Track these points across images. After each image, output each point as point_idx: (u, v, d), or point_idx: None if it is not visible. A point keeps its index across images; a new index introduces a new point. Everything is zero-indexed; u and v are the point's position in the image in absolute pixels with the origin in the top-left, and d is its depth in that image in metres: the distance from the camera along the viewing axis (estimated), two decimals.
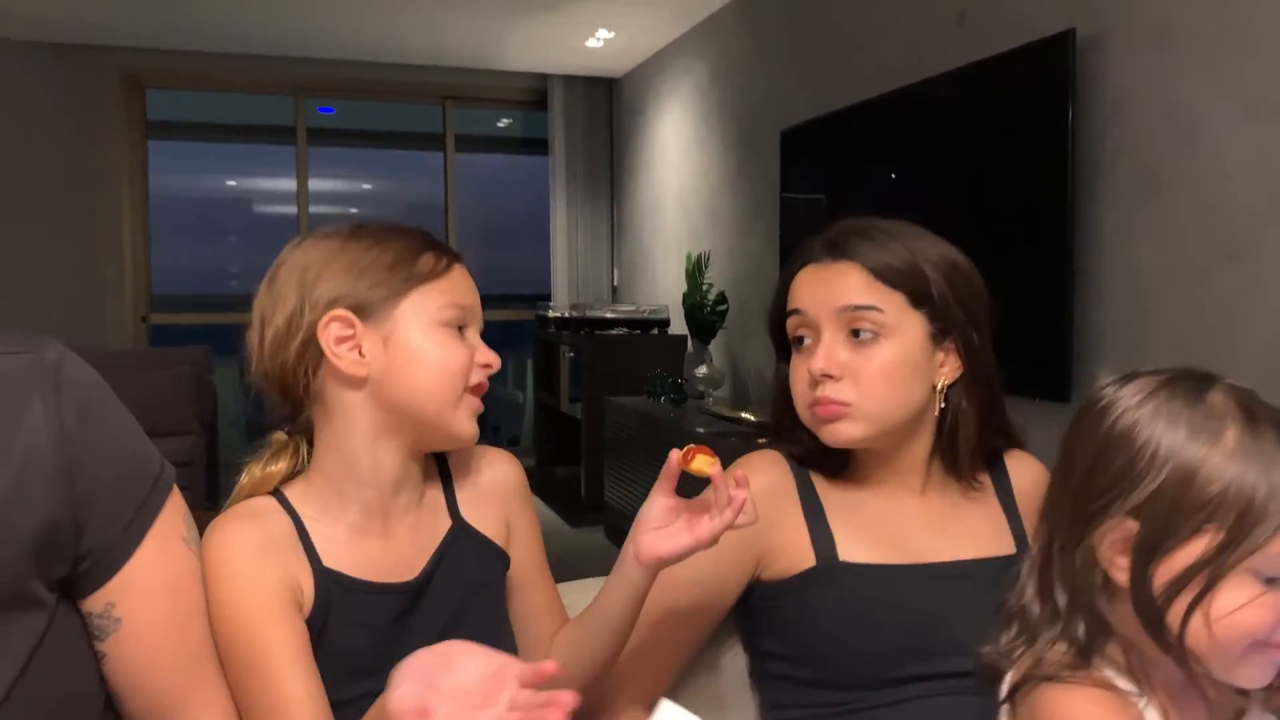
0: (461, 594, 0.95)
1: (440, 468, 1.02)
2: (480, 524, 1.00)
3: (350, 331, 0.92)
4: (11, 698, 0.67)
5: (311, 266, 0.94)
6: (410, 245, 0.96)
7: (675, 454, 0.87)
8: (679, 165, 5.26)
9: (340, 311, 0.92)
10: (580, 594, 1.07)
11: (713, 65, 4.83)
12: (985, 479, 1.06)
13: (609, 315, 5.12)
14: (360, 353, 0.92)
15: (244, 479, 0.95)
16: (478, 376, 0.95)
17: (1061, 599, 0.79)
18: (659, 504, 0.90)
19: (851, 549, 1.00)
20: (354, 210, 7.98)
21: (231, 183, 7.49)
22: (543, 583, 1.04)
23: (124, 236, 5.59)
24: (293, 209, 6.27)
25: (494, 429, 7.13)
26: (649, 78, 5.70)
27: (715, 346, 4.55)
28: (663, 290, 5.41)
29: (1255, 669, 0.73)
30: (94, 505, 0.73)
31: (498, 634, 0.96)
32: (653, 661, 1.03)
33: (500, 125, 7.18)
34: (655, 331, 5.09)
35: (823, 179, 3.79)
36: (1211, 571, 0.71)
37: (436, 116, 6.41)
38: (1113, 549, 0.76)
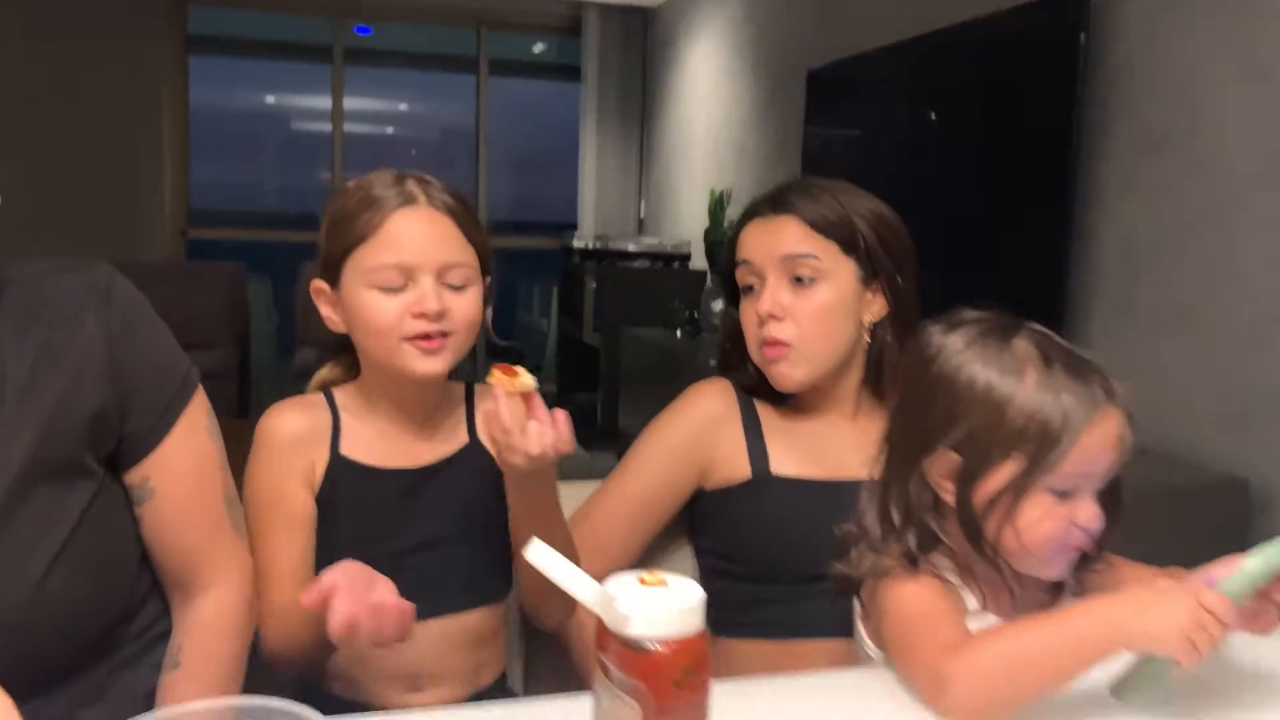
0: (464, 496, 1.09)
1: (468, 393, 1.16)
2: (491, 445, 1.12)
3: (324, 296, 1.08)
4: (67, 547, 0.85)
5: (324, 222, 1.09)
6: (352, 204, 1.05)
7: (499, 381, 0.95)
8: (708, 100, 5.28)
9: (318, 283, 1.08)
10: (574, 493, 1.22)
11: (746, 1, 4.83)
12: None
13: (632, 248, 5.21)
14: (335, 312, 1.08)
15: (314, 379, 1.15)
16: (412, 326, 1.01)
17: (897, 518, 0.92)
18: (510, 417, 0.98)
19: (784, 464, 1.15)
20: (389, 129, 8.06)
21: (270, 99, 7.58)
22: None
23: (164, 151, 5.72)
24: (329, 127, 6.37)
25: (519, 355, 7.29)
26: (683, 10, 5.69)
27: None
28: (687, 225, 5.47)
29: (1057, 566, 0.89)
30: (135, 397, 0.91)
31: (495, 538, 1.09)
32: (605, 559, 1.16)
33: (535, 51, 7.19)
34: (676, 265, 5.17)
35: (845, 120, 3.83)
36: (1016, 491, 0.85)
37: (471, 40, 6.45)
38: (940, 476, 0.90)
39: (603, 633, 0.61)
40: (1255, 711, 0.83)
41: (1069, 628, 0.78)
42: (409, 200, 1.03)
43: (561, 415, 0.96)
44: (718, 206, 4.66)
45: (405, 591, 1.05)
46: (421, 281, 1.01)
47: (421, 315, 1.01)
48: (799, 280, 1.12)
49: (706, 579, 1.21)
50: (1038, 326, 0.91)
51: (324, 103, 6.36)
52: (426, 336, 1.01)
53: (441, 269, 1.03)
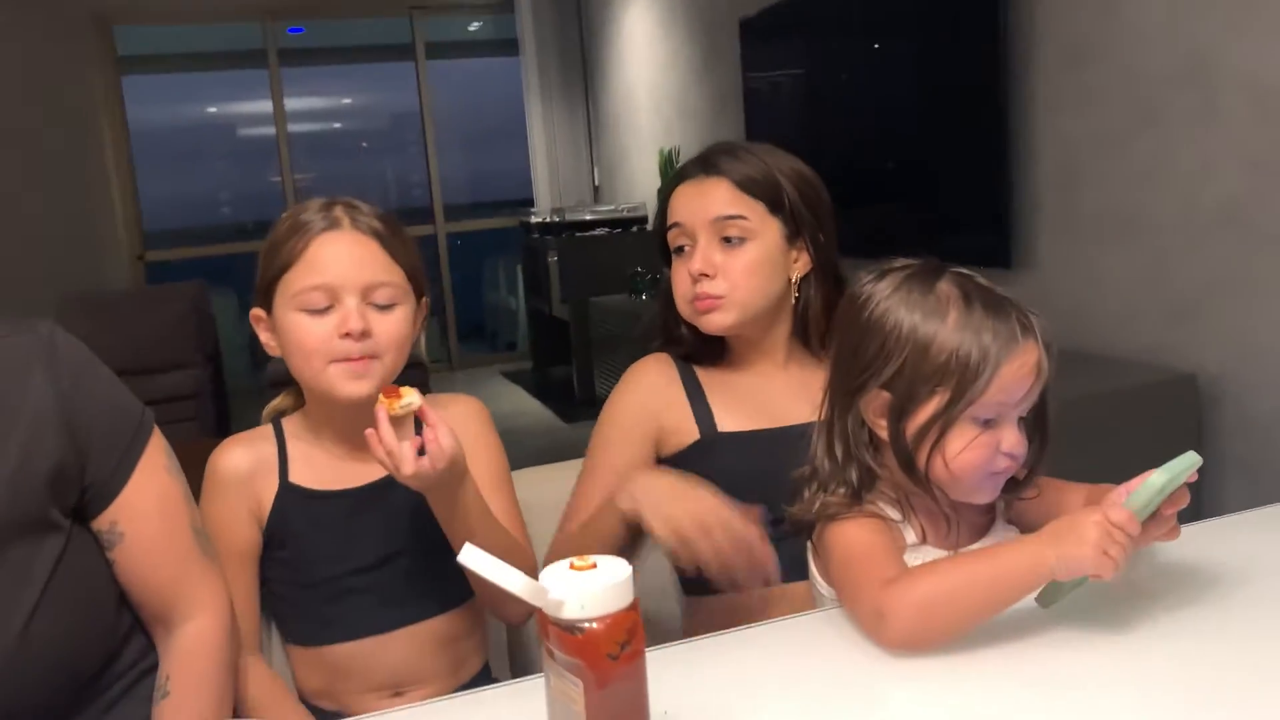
0: (416, 508, 1.09)
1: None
2: None
3: (262, 323, 1.11)
4: (44, 600, 0.88)
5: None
6: (281, 231, 1.08)
7: (381, 409, 0.96)
8: (647, 61, 5.27)
9: (256, 310, 1.11)
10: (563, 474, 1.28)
11: None
12: None
13: (588, 217, 5.22)
14: (271, 338, 1.11)
15: (266, 408, 1.19)
16: (338, 347, 1.03)
17: (839, 456, 0.98)
18: (388, 439, 0.97)
19: (729, 421, 1.20)
20: (336, 125, 7.98)
21: (212, 110, 7.50)
22: (495, 500, 1.15)
23: (110, 177, 5.67)
24: (274, 130, 6.32)
25: (491, 335, 7.31)
26: None
27: None
28: (641, 187, 5.48)
29: (986, 491, 0.94)
30: (92, 447, 0.93)
31: (444, 546, 1.10)
32: (589, 538, 1.20)
33: (471, 30, 7.13)
34: (635, 229, 5.19)
35: (781, 65, 3.84)
36: (943, 423, 0.90)
37: (405, 27, 6.39)
38: (874, 413, 0.95)
39: (543, 620, 0.65)
40: (1158, 597, 0.89)
41: (996, 563, 0.84)
42: (333, 225, 1.06)
43: (436, 433, 0.97)
44: (668, 165, 4.68)
45: (371, 606, 1.10)
46: (346, 302, 1.04)
47: (346, 335, 1.03)
48: (728, 240, 1.17)
49: None
50: (960, 269, 0.96)
51: (266, 107, 6.31)
52: (351, 357, 1.03)
53: (366, 289, 1.05)
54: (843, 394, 0.98)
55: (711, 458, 1.18)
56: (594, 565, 0.65)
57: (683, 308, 1.21)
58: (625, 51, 5.58)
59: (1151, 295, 2.27)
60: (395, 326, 1.06)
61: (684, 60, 4.80)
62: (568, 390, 5.23)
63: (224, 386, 4.80)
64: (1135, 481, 0.84)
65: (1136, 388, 2.15)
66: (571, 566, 0.65)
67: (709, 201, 1.18)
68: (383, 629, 1.11)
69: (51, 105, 5.37)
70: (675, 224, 1.21)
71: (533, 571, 1.08)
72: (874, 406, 0.95)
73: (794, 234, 1.20)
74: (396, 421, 0.97)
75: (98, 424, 0.93)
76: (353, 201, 1.10)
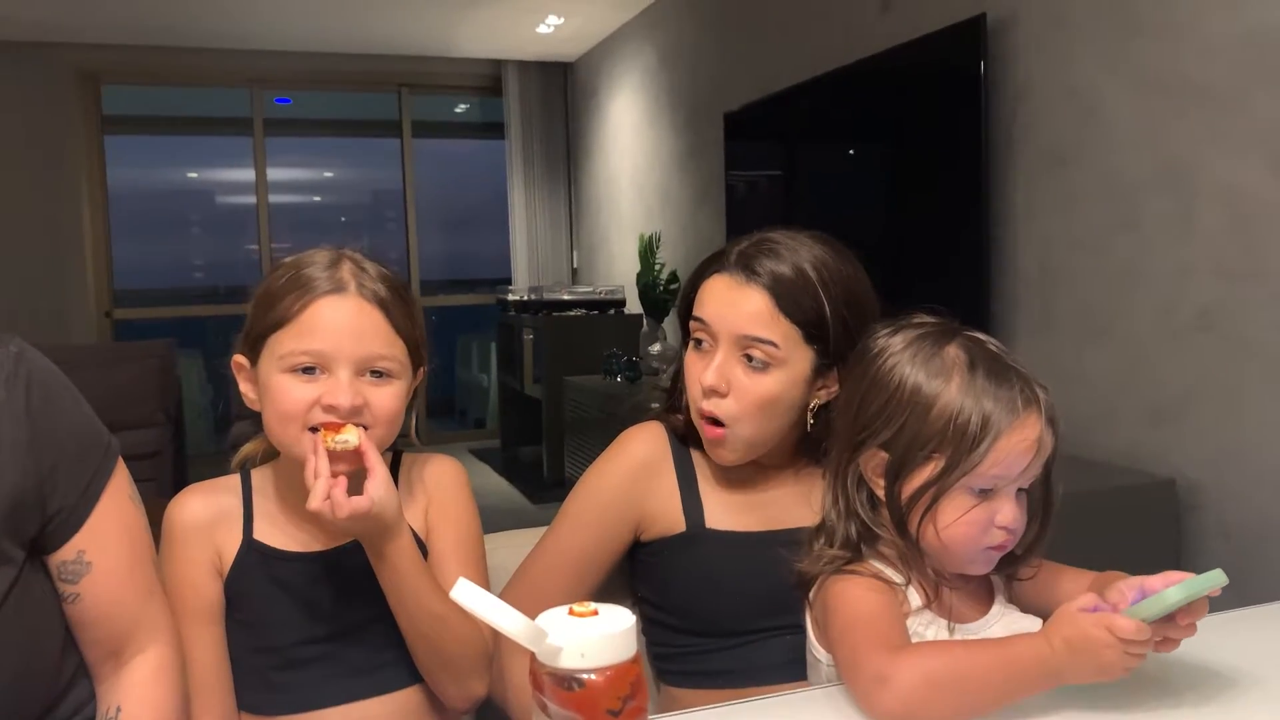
0: (373, 572, 1.02)
1: (394, 464, 1.11)
2: (410, 518, 1.05)
3: (244, 372, 1.04)
4: None
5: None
6: (280, 283, 1.00)
7: (318, 441, 0.94)
8: (632, 148, 5.36)
9: (239, 358, 1.05)
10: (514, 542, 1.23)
11: (659, 49, 4.93)
12: None
13: (566, 297, 5.23)
14: (251, 389, 1.04)
15: (238, 453, 1.11)
16: (320, 417, 0.96)
17: (840, 509, 0.96)
18: (321, 469, 0.94)
19: (719, 517, 1.12)
20: (316, 198, 8.01)
21: (192, 175, 7.50)
22: (457, 567, 1.08)
23: (85, 232, 5.62)
24: (254, 199, 6.32)
25: (460, 412, 7.24)
26: (600, 62, 5.79)
27: (669, 324, 4.67)
28: (620, 271, 5.52)
29: (978, 564, 0.92)
30: (58, 471, 0.86)
31: None
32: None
33: (458, 111, 7.24)
34: (612, 311, 5.21)
35: (763, 159, 3.91)
36: (937, 490, 0.88)
37: (393, 104, 6.47)
38: (872, 471, 0.94)
39: (536, 669, 0.61)
40: (1161, 684, 0.86)
41: (1009, 659, 0.80)
42: (337, 288, 0.99)
43: (371, 479, 0.93)
44: (648, 251, 4.72)
45: (327, 676, 1.02)
46: (337, 373, 0.97)
47: (330, 407, 0.96)
48: (750, 359, 1.05)
49: (647, 629, 1.18)
50: (976, 334, 0.94)
51: (247, 175, 6.32)
52: (326, 425, 0.97)
53: (361, 361, 0.98)
54: (844, 447, 0.96)
55: (695, 553, 1.11)
56: (595, 612, 0.61)
57: (693, 408, 1.11)
58: (609, 138, 5.68)
59: (1130, 398, 2.29)
60: (388, 401, 1.00)
61: (668, 149, 4.88)
62: (536, 470, 5.16)
63: (184, 449, 4.70)
64: (1155, 580, 0.81)
65: (1114, 490, 2.15)
66: (571, 612, 0.61)
67: (740, 314, 1.05)
68: (339, 700, 1.03)
69: (34, 159, 5.36)
70: (700, 319, 1.10)
71: (486, 646, 1.04)
72: (872, 465, 0.93)
73: (826, 366, 1.07)
74: (335, 458, 0.93)
75: (67, 447, 0.87)
76: (360, 260, 1.02)
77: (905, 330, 0.95)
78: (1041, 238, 2.52)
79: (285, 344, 0.98)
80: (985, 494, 0.88)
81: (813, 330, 1.05)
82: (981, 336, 0.94)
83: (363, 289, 1.00)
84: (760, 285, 1.05)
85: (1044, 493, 0.93)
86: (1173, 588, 0.78)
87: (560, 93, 6.34)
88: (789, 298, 1.04)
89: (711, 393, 1.06)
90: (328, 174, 7.86)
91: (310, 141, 7.24)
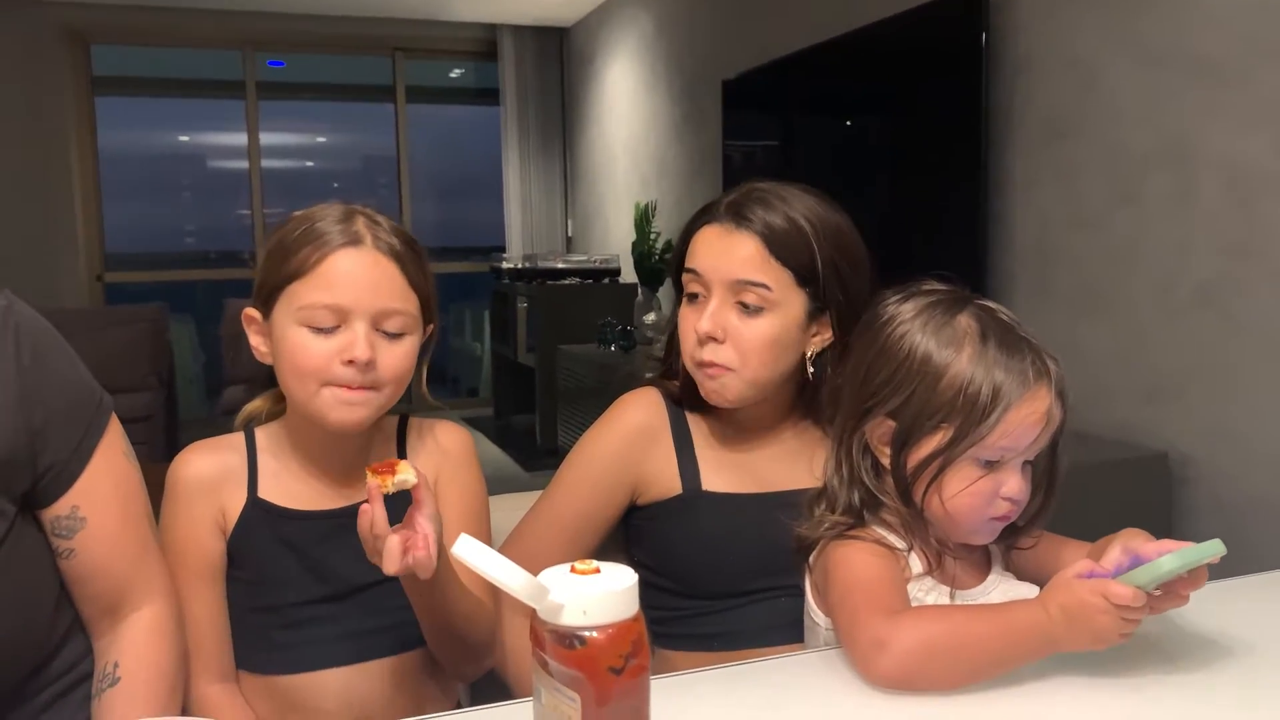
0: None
1: (401, 432, 1.12)
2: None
3: (255, 325, 1.04)
4: None
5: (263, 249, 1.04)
6: (294, 236, 0.99)
7: (373, 483, 0.88)
8: (628, 116, 5.32)
9: (250, 311, 1.03)
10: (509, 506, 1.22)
11: (657, 15, 4.88)
12: None
13: (561, 265, 5.21)
14: (264, 343, 1.03)
15: (242, 411, 1.10)
16: (338, 372, 0.97)
17: (844, 476, 0.96)
18: (380, 524, 0.89)
19: (714, 479, 1.12)
20: (309, 162, 7.95)
21: (184, 138, 7.43)
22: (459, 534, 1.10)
23: (75, 195, 5.57)
24: (246, 164, 6.26)
25: (453, 380, 7.22)
26: (597, 27, 5.73)
27: (664, 294, 4.66)
28: (616, 240, 5.50)
29: (982, 534, 0.92)
30: (50, 427, 0.86)
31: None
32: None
33: (452, 76, 7.17)
34: (606, 280, 5.19)
35: (761, 129, 3.89)
36: (943, 460, 0.88)
37: (387, 68, 6.41)
38: (879, 440, 0.93)
39: (537, 626, 0.61)
40: (1161, 649, 0.87)
41: (1007, 626, 0.80)
42: (354, 240, 0.98)
43: (424, 539, 0.89)
44: (643, 220, 4.70)
45: (331, 638, 1.02)
46: (354, 326, 0.97)
47: (349, 363, 0.97)
48: (744, 305, 1.06)
49: (643, 593, 1.17)
50: (988, 303, 0.94)
51: (239, 139, 6.26)
52: (351, 386, 0.97)
53: (378, 315, 0.98)
54: (850, 414, 0.96)
55: (691, 515, 1.12)
56: (597, 570, 0.61)
57: (687, 361, 1.12)
58: (606, 105, 5.64)
59: (1125, 373, 2.29)
60: (401, 359, 1.00)
61: (664, 118, 4.85)
62: (529, 438, 5.16)
63: (176, 414, 4.68)
64: (1149, 546, 0.81)
65: (1107, 464, 2.15)
66: (573, 570, 0.61)
67: (733, 260, 1.06)
68: (341, 662, 1.03)
69: (23, 121, 5.29)
70: (692, 270, 1.10)
71: (495, 621, 1.04)
72: (878, 433, 0.93)
73: (819, 309, 1.08)
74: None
75: (58, 402, 0.87)
76: (373, 214, 1.02)
77: (916, 298, 0.94)
78: (1039, 211, 2.51)
79: (302, 296, 0.97)
80: (991, 465, 0.88)
81: (804, 274, 1.07)
82: (993, 305, 0.93)
83: (378, 241, 1.00)
84: (751, 231, 1.06)
85: (1050, 465, 0.93)
86: (1167, 556, 0.78)
87: (556, 59, 6.28)
88: (780, 242, 1.06)
89: (708, 339, 1.07)
90: (320, 139, 7.80)
91: (302, 105, 7.17)
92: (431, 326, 1.07)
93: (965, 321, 0.90)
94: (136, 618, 0.94)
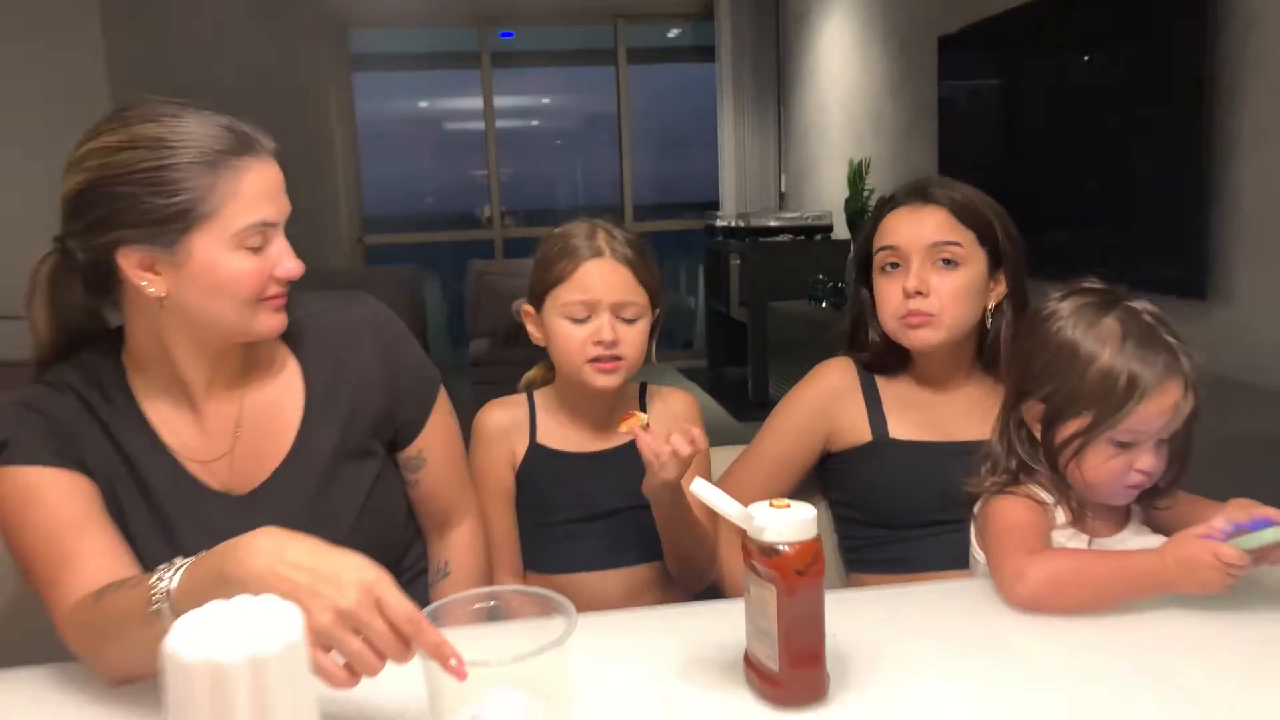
0: (637, 475, 1.26)
1: (641, 392, 1.41)
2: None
3: (531, 318, 1.37)
4: (365, 507, 1.15)
5: None
6: (554, 251, 1.31)
7: (635, 425, 1.20)
8: (842, 72, 5.36)
9: (527, 307, 1.38)
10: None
11: None
12: None
13: (773, 223, 5.36)
14: (537, 329, 1.37)
15: (523, 378, 1.45)
16: (592, 350, 1.28)
17: (1005, 445, 1.15)
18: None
19: (900, 429, 1.34)
20: (535, 123, 8.45)
21: (423, 104, 8.09)
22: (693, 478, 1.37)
23: (338, 166, 6.25)
24: (480, 126, 6.80)
25: (669, 332, 7.53)
26: None
27: None
28: (829, 197, 5.58)
29: (1119, 499, 1.10)
30: (406, 395, 1.21)
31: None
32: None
33: (670, 36, 7.41)
34: (819, 237, 5.29)
35: (978, 85, 3.87)
36: (1084, 440, 1.05)
37: (609, 34, 6.73)
38: (1032, 418, 1.12)
39: (746, 542, 0.84)
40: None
41: (1126, 567, 0.98)
42: (597, 253, 1.29)
43: (681, 437, 1.17)
44: (857, 176, 4.77)
45: (594, 548, 1.35)
46: (601, 316, 1.28)
47: (599, 343, 1.27)
48: (944, 262, 1.29)
49: (838, 525, 1.43)
50: (1135, 304, 1.09)
51: (474, 104, 6.79)
52: (602, 359, 1.28)
53: (616, 307, 1.28)
54: (1012, 394, 1.15)
55: (880, 460, 1.34)
56: (788, 505, 0.83)
57: (888, 323, 1.33)
58: (821, 62, 5.69)
59: None
60: (636, 336, 1.30)
61: (880, 74, 4.87)
62: (741, 390, 5.40)
63: None
64: (1261, 511, 0.95)
65: None
66: (771, 505, 0.84)
67: (925, 228, 1.30)
68: (600, 567, 1.34)
69: (292, 99, 5.96)
70: (888, 246, 1.32)
71: (715, 546, 1.35)
72: (1032, 413, 1.11)
73: (995, 264, 1.32)
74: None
75: (410, 378, 1.22)
76: (611, 229, 1.32)
77: (1073, 297, 1.11)
78: (1269, 168, 2.44)
79: (562, 296, 1.29)
80: (1125, 445, 1.05)
81: (984, 234, 1.31)
82: (1139, 306, 1.08)
83: (615, 252, 1.29)
84: (938, 204, 1.32)
85: (1185, 443, 1.08)
86: (1271, 529, 0.93)
87: (771, 16, 6.36)
88: (963, 209, 1.31)
89: (915, 294, 1.29)
90: (545, 101, 8.27)
91: (530, 72, 7.63)
92: (658, 310, 1.35)
93: (1111, 322, 1.07)
94: (458, 530, 1.28)
